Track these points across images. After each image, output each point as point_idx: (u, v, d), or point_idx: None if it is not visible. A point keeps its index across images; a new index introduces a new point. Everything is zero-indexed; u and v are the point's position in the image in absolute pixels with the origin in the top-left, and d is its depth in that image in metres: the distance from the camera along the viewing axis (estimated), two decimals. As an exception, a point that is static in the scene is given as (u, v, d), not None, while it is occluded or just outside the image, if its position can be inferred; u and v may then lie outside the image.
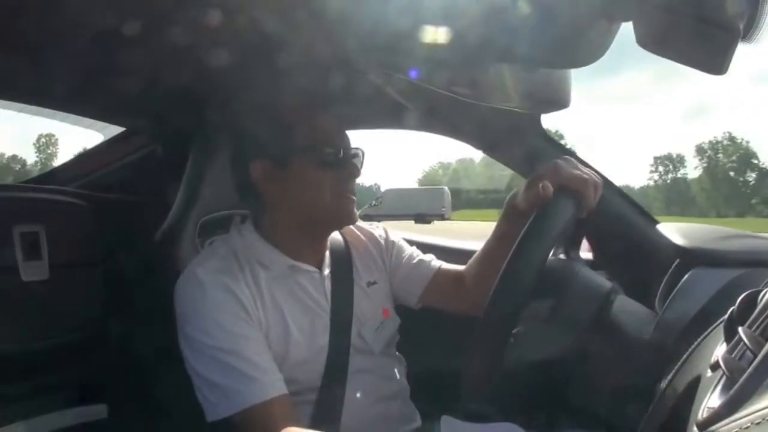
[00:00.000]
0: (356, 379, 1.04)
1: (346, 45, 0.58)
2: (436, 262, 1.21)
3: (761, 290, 0.60)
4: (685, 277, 0.90)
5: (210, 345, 0.91)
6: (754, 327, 0.52)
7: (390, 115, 1.47)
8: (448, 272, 1.20)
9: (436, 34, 0.60)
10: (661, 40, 0.54)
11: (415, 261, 1.20)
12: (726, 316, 0.57)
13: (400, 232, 1.32)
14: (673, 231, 0.99)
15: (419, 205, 19.60)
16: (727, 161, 63.43)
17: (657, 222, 1.24)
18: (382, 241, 1.21)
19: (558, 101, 0.79)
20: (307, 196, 1.01)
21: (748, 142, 65.96)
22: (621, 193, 1.35)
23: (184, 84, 1.24)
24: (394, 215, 16.98)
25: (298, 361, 0.98)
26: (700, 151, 65.95)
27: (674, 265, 1.01)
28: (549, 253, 0.80)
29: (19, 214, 1.21)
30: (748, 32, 0.52)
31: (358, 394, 1.03)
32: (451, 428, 1.05)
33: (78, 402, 1.29)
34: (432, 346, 1.39)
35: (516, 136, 1.30)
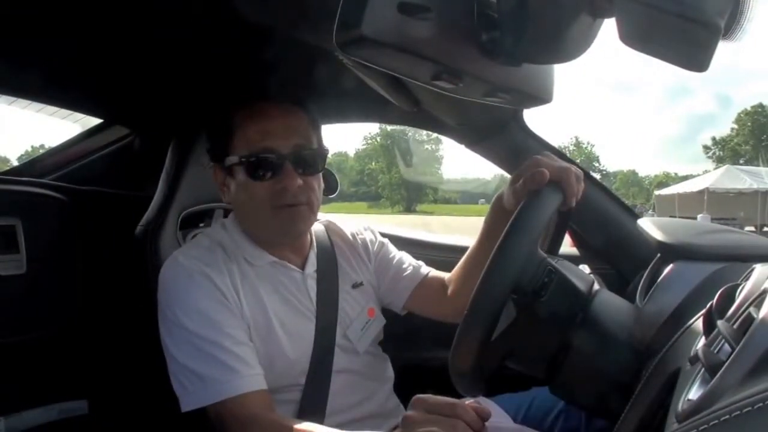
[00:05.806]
0: (340, 378, 1.03)
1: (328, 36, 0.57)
2: (425, 269, 1.20)
3: (739, 284, 0.61)
4: (666, 271, 0.91)
5: (191, 330, 0.90)
6: (732, 320, 0.53)
7: (371, 109, 1.47)
8: (434, 279, 1.18)
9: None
10: (644, 37, 0.54)
11: (403, 267, 1.19)
12: (705, 310, 0.58)
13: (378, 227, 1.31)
14: (653, 226, 1.00)
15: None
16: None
17: (638, 216, 1.26)
18: (369, 242, 1.20)
19: (540, 96, 0.79)
20: (246, 207, 0.99)
21: (592, 146, 71.99)
22: (602, 188, 1.36)
23: (163, 75, 1.22)
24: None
25: (281, 357, 0.97)
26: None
27: (655, 259, 1.02)
28: (536, 245, 0.81)
29: None
30: (729, 30, 0.52)
31: (341, 393, 1.02)
32: None
33: (58, 398, 1.27)
34: (417, 340, 1.40)
35: (498, 131, 1.30)
